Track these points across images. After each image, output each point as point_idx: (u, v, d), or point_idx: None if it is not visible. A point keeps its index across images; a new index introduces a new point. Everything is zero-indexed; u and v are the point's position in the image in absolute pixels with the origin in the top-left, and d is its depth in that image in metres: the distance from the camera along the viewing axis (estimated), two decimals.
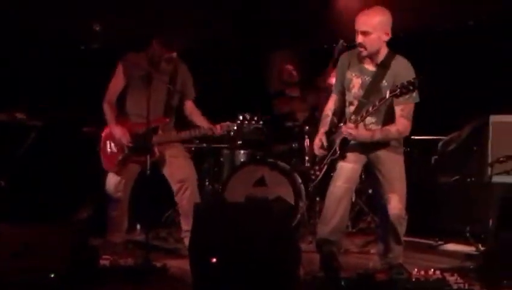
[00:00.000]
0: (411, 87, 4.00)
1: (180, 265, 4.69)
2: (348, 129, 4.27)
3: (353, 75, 4.45)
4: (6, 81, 5.82)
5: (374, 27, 4.25)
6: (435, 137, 6.09)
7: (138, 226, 6.02)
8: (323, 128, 4.60)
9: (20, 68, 5.99)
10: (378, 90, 4.31)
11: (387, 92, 4.11)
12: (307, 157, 6.12)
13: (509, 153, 5.14)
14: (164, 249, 5.41)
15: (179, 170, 5.13)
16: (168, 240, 5.83)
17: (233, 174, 6.14)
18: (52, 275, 3.79)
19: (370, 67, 4.40)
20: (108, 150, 5.13)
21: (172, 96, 5.16)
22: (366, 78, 4.38)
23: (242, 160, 6.47)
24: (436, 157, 6.05)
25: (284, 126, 6.57)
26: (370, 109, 4.22)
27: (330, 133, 4.54)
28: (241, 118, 4.95)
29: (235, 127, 5.00)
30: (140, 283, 4.26)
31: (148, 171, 4.66)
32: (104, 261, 4.43)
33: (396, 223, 4.38)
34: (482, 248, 5.26)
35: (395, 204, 4.36)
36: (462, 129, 5.84)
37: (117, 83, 5.14)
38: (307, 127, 6.23)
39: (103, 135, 5.18)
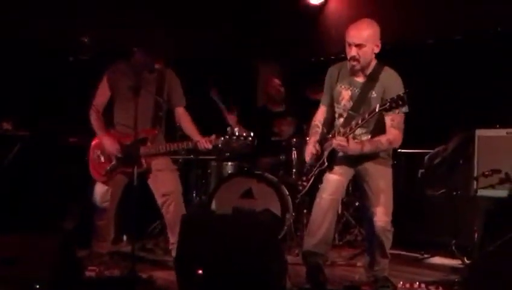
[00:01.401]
0: (400, 102, 4.00)
1: (166, 276, 4.68)
2: (338, 142, 4.28)
3: (342, 87, 4.47)
4: None
5: (366, 39, 4.28)
6: (421, 150, 6.12)
7: (124, 237, 6.00)
8: (313, 137, 4.62)
9: (6, 78, 5.97)
10: (367, 102, 4.33)
11: (377, 106, 4.12)
12: (294, 170, 6.14)
13: (495, 167, 5.18)
14: (150, 261, 5.40)
15: (163, 184, 5.08)
16: (154, 251, 5.82)
17: (221, 186, 6.14)
18: (38, 286, 3.77)
19: (359, 79, 4.42)
20: (97, 159, 5.11)
21: (160, 107, 5.14)
22: (356, 90, 4.41)
23: (229, 172, 6.47)
24: (422, 170, 6.07)
25: (270, 140, 6.58)
26: (359, 121, 4.22)
27: (319, 144, 4.56)
28: (229, 132, 4.92)
29: (222, 142, 4.96)
30: None
31: (135, 183, 4.64)
32: (90, 272, 4.42)
33: (381, 236, 4.38)
34: (467, 261, 5.29)
35: (381, 217, 4.37)
36: (448, 143, 5.87)
37: (102, 93, 5.10)
38: (294, 140, 6.25)
39: (92, 144, 5.15)
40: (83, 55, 5.98)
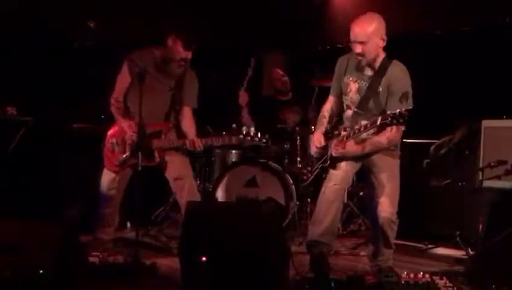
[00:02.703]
0: (401, 119, 3.94)
1: (169, 263, 4.68)
2: (336, 150, 4.33)
3: (350, 79, 4.45)
4: None
5: (369, 36, 4.25)
6: (427, 140, 6.09)
7: (128, 224, 6.00)
8: (319, 129, 4.59)
9: (12, 63, 5.96)
10: (374, 97, 4.32)
11: (379, 119, 4.05)
12: (298, 159, 6.12)
13: (501, 158, 5.16)
14: (154, 247, 5.40)
15: (175, 168, 5.10)
16: (158, 238, 5.81)
17: (225, 174, 6.13)
18: (41, 271, 3.76)
19: (367, 72, 4.40)
20: (111, 149, 5.08)
21: (177, 101, 5.11)
22: (363, 84, 4.39)
23: (234, 160, 6.46)
24: (427, 160, 6.06)
25: (275, 128, 6.57)
26: (361, 128, 4.20)
27: (325, 137, 4.54)
28: (244, 132, 4.87)
29: (236, 140, 4.95)
30: (129, 281, 4.24)
31: (140, 168, 4.61)
32: (94, 258, 4.41)
33: (386, 226, 4.37)
34: (471, 252, 5.27)
35: (386, 207, 4.36)
36: (454, 133, 5.84)
37: (123, 80, 5.06)
38: (298, 128, 6.23)
39: (109, 133, 5.12)
40: (89, 41, 5.95)
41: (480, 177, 5.27)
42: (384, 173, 4.39)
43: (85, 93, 5.41)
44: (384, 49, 4.39)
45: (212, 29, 7.32)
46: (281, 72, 6.86)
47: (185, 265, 3.93)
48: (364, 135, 4.34)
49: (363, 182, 4.72)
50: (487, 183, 5.24)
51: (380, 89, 4.31)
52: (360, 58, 4.32)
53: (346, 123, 4.46)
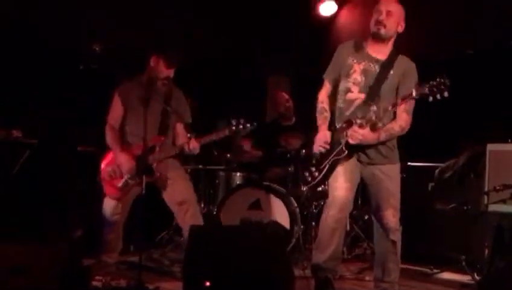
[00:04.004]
0: (443, 87, 4.01)
1: (173, 287, 4.65)
2: (356, 135, 4.24)
3: (354, 61, 4.41)
4: (3, 98, 5.81)
5: (396, 10, 4.34)
6: (431, 164, 6.08)
7: (131, 247, 5.96)
8: (324, 125, 4.50)
9: (18, 86, 5.98)
10: (384, 84, 4.31)
11: (413, 91, 4.07)
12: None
13: (506, 182, 5.13)
14: (157, 271, 5.36)
15: (179, 193, 5.06)
16: (161, 261, 5.78)
17: (229, 197, 6.12)
18: None
19: (377, 55, 4.39)
20: (109, 177, 5.06)
21: (168, 116, 5.12)
22: (370, 66, 4.36)
23: (238, 182, 6.45)
24: (432, 184, 6.04)
25: (279, 151, 6.55)
26: (390, 108, 4.20)
27: (329, 132, 4.46)
28: (234, 122, 4.89)
29: (227, 133, 4.94)
30: None
31: (143, 191, 4.60)
32: (96, 282, 4.39)
33: (392, 236, 4.34)
34: (477, 277, 5.23)
35: (391, 219, 4.34)
36: (459, 157, 5.83)
37: (116, 110, 5.09)
38: (304, 151, 6.20)
39: (103, 163, 5.11)
40: (94, 64, 5.98)
41: (486, 201, 5.23)
42: (386, 186, 4.37)
43: (90, 115, 5.41)
44: None
45: (216, 50, 7.36)
46: (286, 97, 6.81)
47: (189, 289, 3.91)
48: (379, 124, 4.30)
49: (368, 206, 4.68)
50: (492, 207, 5.21)
51: (392, 72, 4.31)
52: (379, 26, 4.31)
53: (349, 110, 4.39)
